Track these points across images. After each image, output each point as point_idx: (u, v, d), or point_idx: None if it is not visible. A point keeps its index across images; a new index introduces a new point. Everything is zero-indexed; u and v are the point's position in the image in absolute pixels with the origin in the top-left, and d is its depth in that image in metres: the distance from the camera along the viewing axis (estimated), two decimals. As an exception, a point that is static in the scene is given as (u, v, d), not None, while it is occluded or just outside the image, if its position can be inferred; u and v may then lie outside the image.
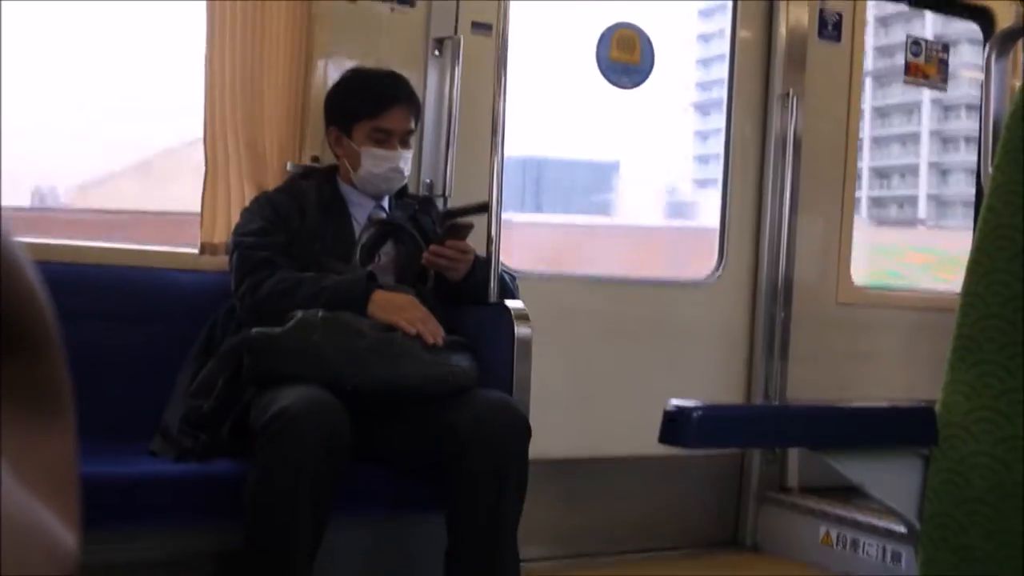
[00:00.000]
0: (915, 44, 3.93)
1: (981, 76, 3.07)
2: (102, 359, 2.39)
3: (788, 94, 3.50)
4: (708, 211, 3.73)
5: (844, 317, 3.64)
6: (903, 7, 4.31)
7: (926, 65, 3.95)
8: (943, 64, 3.95)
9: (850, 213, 3.69)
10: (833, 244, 3.65)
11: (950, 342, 1.66)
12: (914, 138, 26.79)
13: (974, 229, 1.70)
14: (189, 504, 2.13)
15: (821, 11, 3.63)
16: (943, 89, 4.18)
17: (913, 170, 26.94)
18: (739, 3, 3.59)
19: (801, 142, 3.50)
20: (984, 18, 4.03)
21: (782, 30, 3.55)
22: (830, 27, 3.66)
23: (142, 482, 2.11)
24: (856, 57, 3.71)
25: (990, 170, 1.77)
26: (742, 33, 3.59)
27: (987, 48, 3.67)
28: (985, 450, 1.60)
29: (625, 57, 3.36)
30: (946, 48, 3.97)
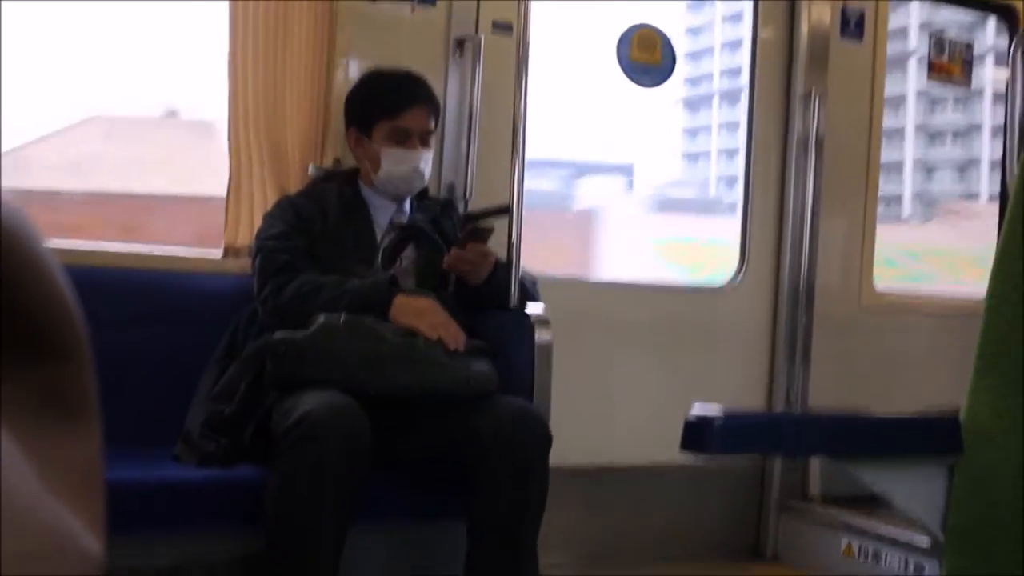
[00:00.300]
0: (938, 43, 3.90)
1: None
2: (124, 363, 2.40)
3: (810, 94, 3.48)
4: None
5: (867, 322, 3.61)
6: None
7: (949, 64, 3.91)
8: (967, 64, 3.92)
9: (873, 216, 3.66)
10: (856, 247, 3.61)
11: (975, 348, 1.65)
12: (899, 133, 26.50)
13: (998, 231, 1.68)
14: (211, 509, 2.14)
15: (843, 9, 3.60)
16: (967, 88, 4.15)
17: (897, 167, 26.67)
18: (760, 2, 3.57)
19: (823, 143, 3.48)
20: (1009, 15, 3.99)
21: (804, 29, 3.53)
22: (852, 25, 3.63)
23: (164, 487, 2.13)
24: (879, 56, 3.68)
25: (1014, 170, 1.75)
26: (763, 33, 3.57)
27: (1012, 46, 3.64)
28: (1011, 459, 1.58)
29: (646, 57, 3.35)
30: (969, 47, 3.94)
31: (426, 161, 2.53)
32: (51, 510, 0.37)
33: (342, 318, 2.21)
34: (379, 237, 2.52)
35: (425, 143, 2.52)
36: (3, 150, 3.30)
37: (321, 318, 2.21)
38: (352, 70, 2.77)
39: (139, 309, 2.55)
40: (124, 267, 2.61)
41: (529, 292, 2.53)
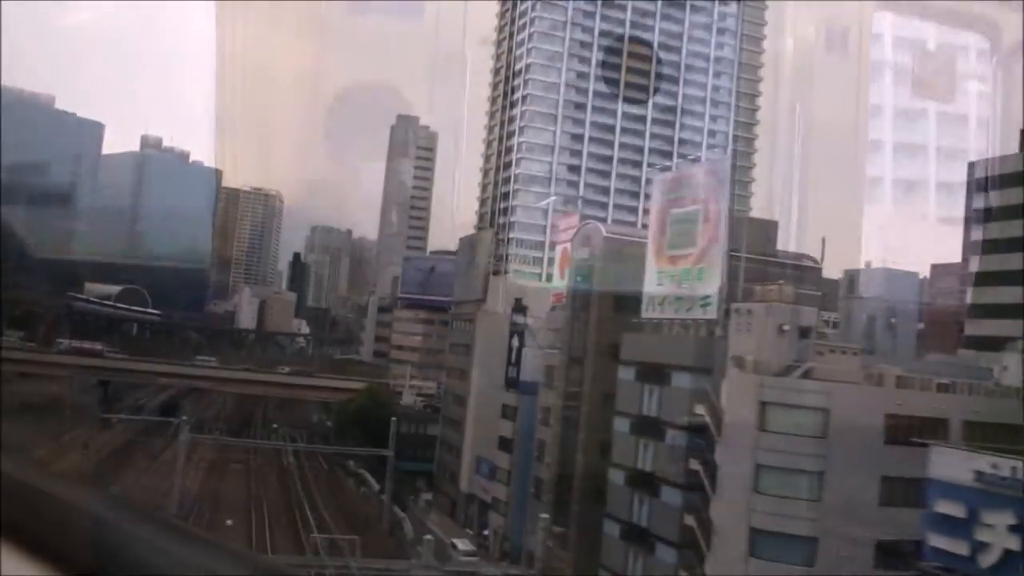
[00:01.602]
0: (922, 59, 3.90)
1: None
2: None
3: (795, 107, 3.47)
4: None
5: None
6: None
7: (933, 80, 3.92)
8: (950, 79, 3.92)
9: (858, 222, 3.64)
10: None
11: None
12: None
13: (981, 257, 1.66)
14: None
15: (828, 25, 3.60)
16: (950, 102, 4.16)
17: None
18: (743, 21, 3.57)
19: (808, 153, 3.46)
20: (992, 32, 4.00)
21: (789, 45, 3.53)
22: (838, 40, 3.63)
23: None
24: (864, 70, 3.68)
25: (996, 189, 1.73)
26: (749, 47, 3.57)
27: (995, 63, 3.65)
28: None
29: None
30: (952, 63, 3.94)
31: None
32: None
33: None
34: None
35: None
36: None
37: None
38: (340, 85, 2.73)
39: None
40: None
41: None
